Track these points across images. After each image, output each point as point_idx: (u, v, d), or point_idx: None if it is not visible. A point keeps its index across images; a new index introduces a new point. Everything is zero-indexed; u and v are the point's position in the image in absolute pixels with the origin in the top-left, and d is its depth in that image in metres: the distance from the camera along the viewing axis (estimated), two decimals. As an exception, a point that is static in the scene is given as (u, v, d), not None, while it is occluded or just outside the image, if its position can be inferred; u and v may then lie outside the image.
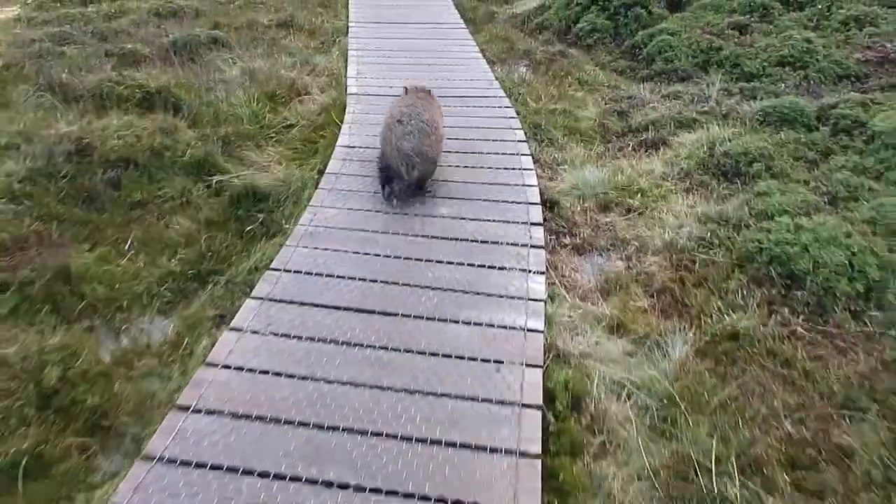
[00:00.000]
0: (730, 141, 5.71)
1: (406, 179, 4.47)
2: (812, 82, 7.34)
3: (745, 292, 3.81)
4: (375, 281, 3.73)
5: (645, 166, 5.75)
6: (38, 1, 9.98)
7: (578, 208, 5.05)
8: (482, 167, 5.17)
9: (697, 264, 4.14)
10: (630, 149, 6.24)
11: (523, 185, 4.89)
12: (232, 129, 5.95)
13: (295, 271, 3.79)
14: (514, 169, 5.14)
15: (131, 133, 5.38)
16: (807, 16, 8.63)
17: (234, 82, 7.03)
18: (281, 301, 3.53)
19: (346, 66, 7.43)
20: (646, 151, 6.14)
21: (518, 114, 6.50)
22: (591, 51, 9.46)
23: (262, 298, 3.54)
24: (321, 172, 5.09)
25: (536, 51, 9.34)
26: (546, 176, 5.60)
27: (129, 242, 4.67)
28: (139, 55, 7.64)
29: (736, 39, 8.30)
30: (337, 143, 5.46)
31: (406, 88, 5.05)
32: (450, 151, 5.41)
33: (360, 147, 5.42)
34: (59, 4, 9.90)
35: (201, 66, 7.58)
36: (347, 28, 8.93)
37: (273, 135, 6.08)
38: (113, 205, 4.97)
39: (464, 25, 9.57)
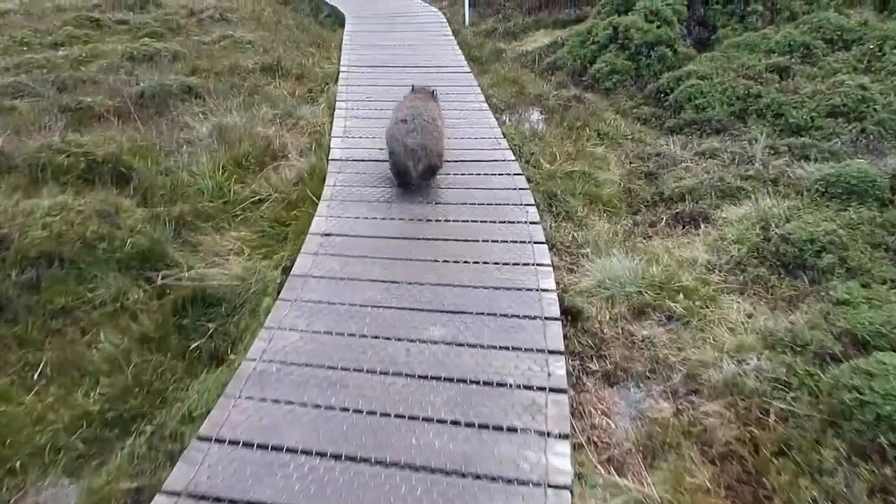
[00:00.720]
0: (788, 221, 4.72)
1: (414, 175, 4.88)
2: (871, 137, 6.35)
3: (846, 470, 2.79)
4: (339, 458, 2.74)
5: (685, 252, 4.76)
6: (2, 45, 9.20)
7: (607, 316, 4.06)
8: (487, 262, 4.20)
9: (773, 415, 3.12)
10: (664, 224, 5.27)
11: (538, 289, 3.91)
12: (189, 206, 5.03)
13: (230, 442, 2.81)
14: (526, 265, 4.17)
15: (61, 218, 4.48)
16: (855, 56, 7.67)
17: (202, 143, 6.13)
18: (204, 499, 2.54)
19: (332, 121, 6.53)
20: (683, 229, 5.16)
21: (529, 181, 5.55)
22: (609, 95, 8.54)
23: (176, 494, 2.56)
24: (286, 272, 4.13)
25: (549, 95, 8.44)
26: (564, 265, 4.62)
27: (39, 369, 3.73)
28: (98, 110, 6.78)
29: (777, 85, 7.34)
30: (309, 230, 4.51)
31: (413, 87, 5.60)
32: (448, 239, 4.46)
33: (338, 235, 4.47)
34: (25, 48, 9.12)
35: (168, 122, 6.71)
36: (338, 73, 8.06)
37: (239, 212, 5.15)
38: (28, 314, 4.04)
39: (468, 68, 8.69)
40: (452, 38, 10.09)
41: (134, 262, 4.43)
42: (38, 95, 7.18)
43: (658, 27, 8.86)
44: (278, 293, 3.90)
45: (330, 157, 5.58)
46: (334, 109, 6.79)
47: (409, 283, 3.93)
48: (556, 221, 5.22)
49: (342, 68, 8.13)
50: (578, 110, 7.89)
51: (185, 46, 9.97)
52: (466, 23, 11.71)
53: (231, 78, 8.49)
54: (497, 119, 7.31)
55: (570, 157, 6.43)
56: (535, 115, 7.97)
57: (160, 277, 4.33)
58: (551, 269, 4.16)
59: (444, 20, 11.20)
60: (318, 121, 6.75)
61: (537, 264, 4.18)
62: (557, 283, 4.08)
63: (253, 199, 5.24)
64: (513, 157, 5.81)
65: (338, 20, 11.45)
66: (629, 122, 7.73)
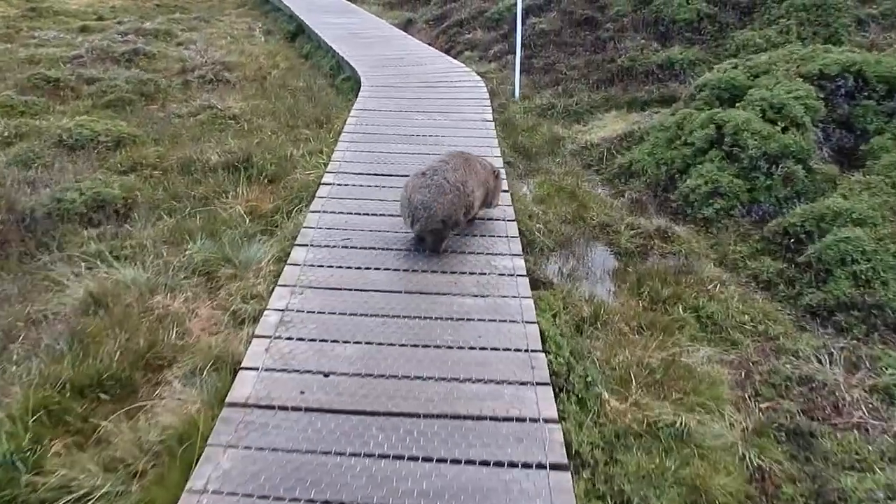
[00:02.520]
0: None
1: (410, 231, 4.56)
2: None
3: None
4: None
5: None
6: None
7: None
8: None
9: None
10: None
11: None
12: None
13: None
14: None
15: None
16: None
17: (53, 333, 3.90)
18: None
19: (271, 293, 4.19)
20: None
21: (582, 461, 3.06)
22: (710, 229, 5.99)
23: None
24: None
25: (620, 225, 5.95)
26: None
27: None
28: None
29: None
30: None
31: (460, 153, 4.95)
32: None
33: None
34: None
35: (37, 272, 4.54)
36: (318, 186, 5.78)
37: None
38: None
39: (503, 173, 6.30)
40: (491, 122, 7.71)
41: None
42: None
43: (783, 130, 6.27)
44: None
45: (230, 400, 3.20)
46: (284, 265, 4.46)
47: None
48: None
49: (325, 178, 5.84)
50: (665, 262, 5.36)
51: (150, 122, 7.92)
52: (516, 95, 9.38)
53: (181, 178, 6.32)
54: (537, 272, 4.88)
55: (653, 381, 3.90)
56: (600, 263, 5.48)
57: None
58: None
59: (486, 93, 8.88)
60: (257, 285, 4.43)
61: None
62: None
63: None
64: (551, 403, 3.29)
65: (357, 86, 9.33)
66: (743, 285, 5.16)
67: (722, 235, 5.83)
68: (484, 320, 3.93)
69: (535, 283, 4.81)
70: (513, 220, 5.25)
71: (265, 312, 3.90)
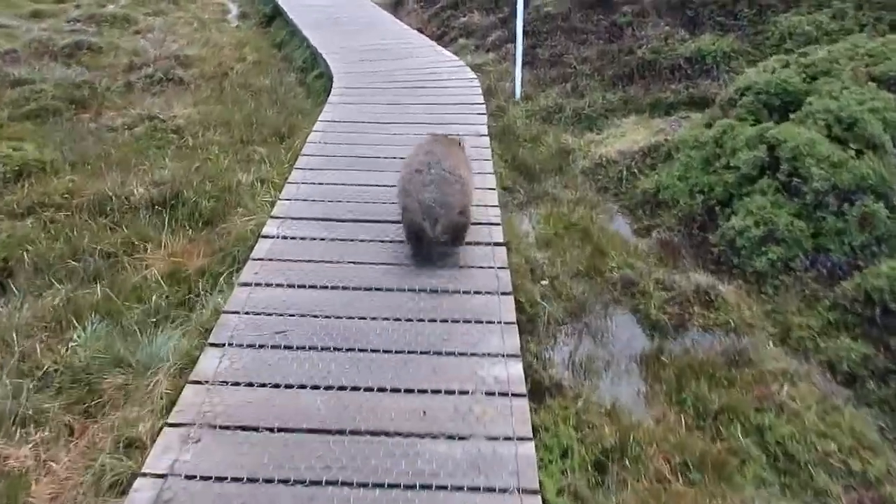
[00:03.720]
0: None
1: (431, 235, 4.03)
2: None
3: None
4: None
5: None
6: None
7: None
8: None
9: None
10: None
11: None
12: None
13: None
14: None
15: None
16: None
17: None
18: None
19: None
20: None
21: None
22: (763, 285, 4.70)
23: None
24: None
25: (649, 282, 4.68)
26: None
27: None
28: None
29: None
30: None
31: (431, 135, 4.71)
32: None
33: None
34: None
35: None
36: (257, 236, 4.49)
37: None
38: None
39: (495, 199, 5.01)
40: (486, 136, 6.38)
41: None
42: None
43: (857, 154, 4.94)
44: None
45: None
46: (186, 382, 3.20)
47: None
48: None
49: (267, 228, 4.53)
50: (711, 344, 4.09)
51: (75, 138, 6.63)
52: (517, 95, 8.02)
53: (92, 222, 5.06)
54: (539, 371, 3.65)
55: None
56: (623, 342, 4.22)
57: None
58: None
59: (481, 96, 7.53)
60: (142, 418, 3.19)
61: None
62: None
63: None
64: None
65: (330, 85, 8.00)
66: (814, 373, 3.90)
67: (781, 298, 4.54)
68: (462, 489, 2.67)
69: (538, 389, 3.56)
70: (508, 294, 3.95)
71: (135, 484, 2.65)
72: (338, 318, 3.68)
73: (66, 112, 7.38)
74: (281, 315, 3.70)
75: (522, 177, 6.51)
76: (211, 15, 13.82)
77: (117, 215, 5.17)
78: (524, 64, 8.30)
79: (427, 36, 10.63)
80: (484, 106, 7.19)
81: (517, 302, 3.91)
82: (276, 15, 12.67)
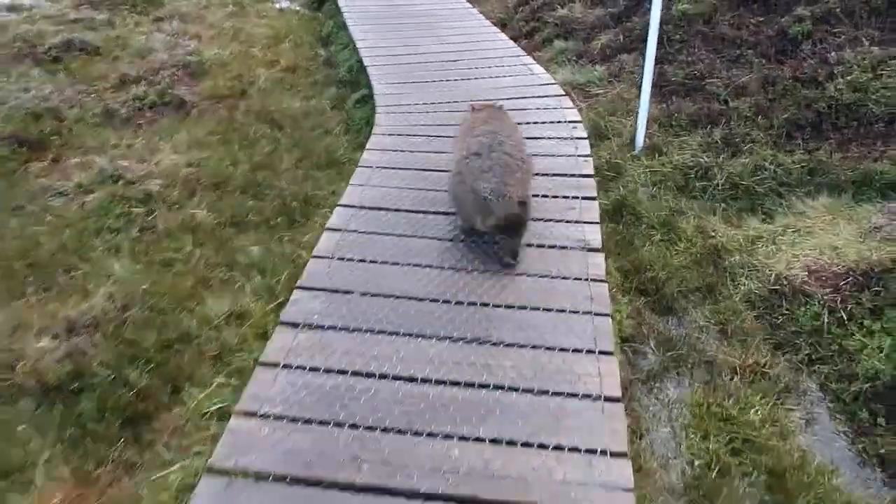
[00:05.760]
0: None
1: (483, 230, 3.67)
2: None
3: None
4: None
5: None
6: None
7: None
8: None
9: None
10: None
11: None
12: None
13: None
14: None
15: None
16: None
17: None
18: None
19: None
20: None
21: None
22: None
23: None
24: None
25: None
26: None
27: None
28: None
29: None
30: None
31: (473, 107, 4.29)
32: None
33: None
34: None
35: None
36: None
37: None
38: None
39: (610, 345, 2.77)
40: (596, 227, 4.06)
41: None
42: None
43: None
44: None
45: None
46: None
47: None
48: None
49: (236, 411, 2.49)
50: None
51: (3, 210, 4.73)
52: (638, 144, 5.60)
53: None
54: None
55: None
56: None
57: None
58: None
59: (586, 146, 5.14)
60: None
61: None
62: None
63: None
64: None
65: (373, 117, 5.81)
66: None
67: None
68: None
69: None
70: None
71: None
72: None
73: (13, 158, 5.48)
74: None
75: (649, 306, 4.18)
76: (257, -8, 11.72)
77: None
78: (653, 99, 5.81)
79: (511, 34, 8.20)
80: (591, 163, 4.81)
81: None
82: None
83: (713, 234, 4.74)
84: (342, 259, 3.75)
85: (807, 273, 4.21)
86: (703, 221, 4.86)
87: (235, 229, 4.69)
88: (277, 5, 10.88)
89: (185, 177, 5.28)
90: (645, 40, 5.63)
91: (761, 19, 6.48)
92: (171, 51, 7.84)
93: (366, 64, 6.85)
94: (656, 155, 5.54)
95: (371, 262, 3.74)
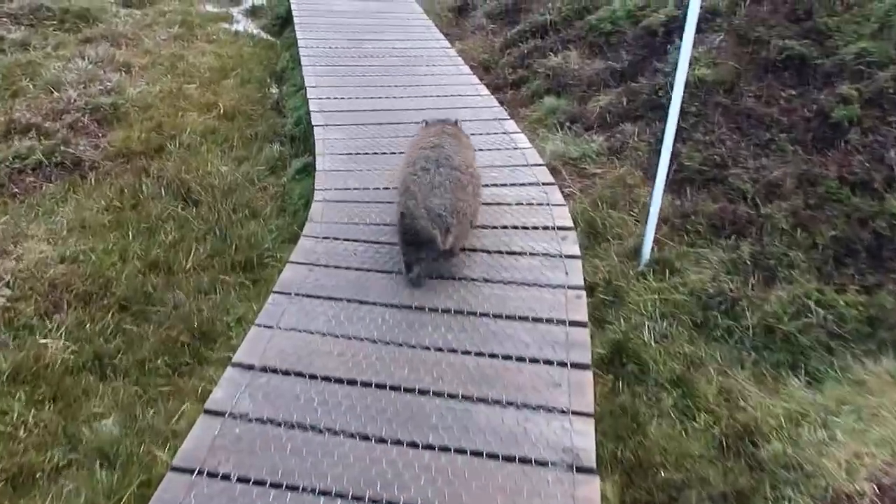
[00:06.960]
0: None
1: (440, 248, 3.45)
2: None
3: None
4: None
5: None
6: None
7: None
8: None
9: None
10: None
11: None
12: None
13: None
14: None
15: None
16: None
17: None
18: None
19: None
20: None
21: None
22: None
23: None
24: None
25: None
26: None
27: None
28: None
29: None
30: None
31: (426, 122, 4.21)
32: None
33: None
34: None
35: None
36: None
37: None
38: None
39: None
40: (589, 392, 2.87)
41: None
42: None
43: None
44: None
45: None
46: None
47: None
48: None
49: None
50: None
51: None
52: (643, 258, 4.43)
53: None
54: None
55: None
56: None
57: None
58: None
59: (577, 264, 3.94)
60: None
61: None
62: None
63: None
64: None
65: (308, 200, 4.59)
66: None
67: None
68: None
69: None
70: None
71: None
72: None
73: None
74: None
75: (645, 479, 2.99)
76: (213, 7, 10.48)
77: None
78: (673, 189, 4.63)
79: (495, 82, 7.03)
80: (583, 302, 3.59)
81: None
82: (290, 20, 9.19)
83: (742, 403, 3.58)
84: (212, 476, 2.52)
85: (876, 489, 3.05)
86: (729, 380, 3.71)
87: (96, 377, 3.44)
88: (233, 27, 9.63)
89: (52, 281, 4.02)
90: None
91: (793, 93, 5.36)
92: (86, 86, 6.57)
93: (314, 123, 5.62)
94: (667, 273, 4.37)
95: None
